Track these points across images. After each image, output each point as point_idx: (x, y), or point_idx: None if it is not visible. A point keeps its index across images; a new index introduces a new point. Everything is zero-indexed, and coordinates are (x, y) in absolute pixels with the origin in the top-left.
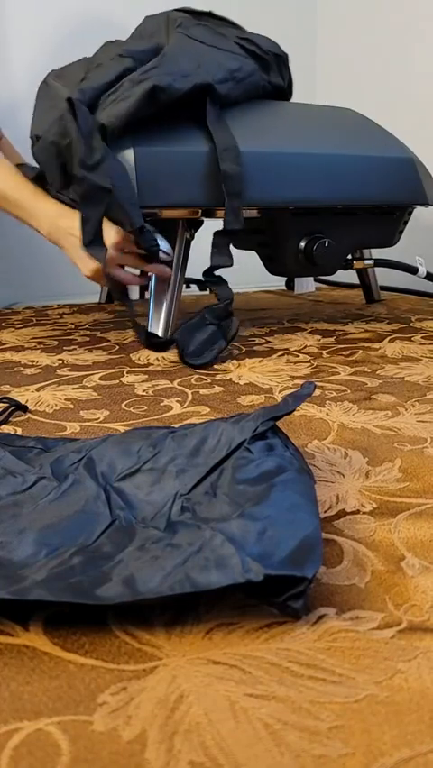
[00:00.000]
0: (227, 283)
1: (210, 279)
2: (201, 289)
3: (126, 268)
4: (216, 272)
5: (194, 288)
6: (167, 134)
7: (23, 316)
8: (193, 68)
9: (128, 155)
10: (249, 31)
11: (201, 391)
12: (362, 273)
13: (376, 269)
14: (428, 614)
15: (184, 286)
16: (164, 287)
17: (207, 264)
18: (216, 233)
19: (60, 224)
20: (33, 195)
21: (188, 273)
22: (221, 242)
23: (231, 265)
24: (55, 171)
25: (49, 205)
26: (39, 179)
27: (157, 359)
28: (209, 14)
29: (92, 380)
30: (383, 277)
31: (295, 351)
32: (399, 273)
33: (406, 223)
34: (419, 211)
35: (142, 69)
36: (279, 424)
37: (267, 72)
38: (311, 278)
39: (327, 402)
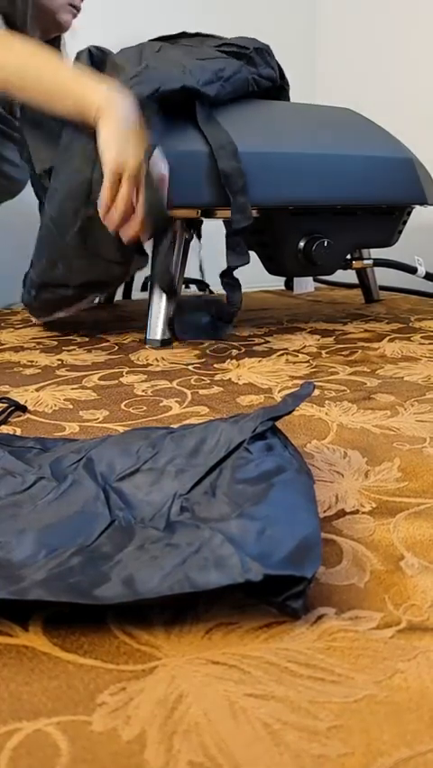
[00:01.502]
0: (241, 288)
1: (228, 282)
2: (201, 289)
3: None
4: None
5: (194, 288)
6: (166, 134)
7: (22, 316)
8: (178, 73)
9: None
10: (249, 31)
11: (200, 391)
12: (361, 273)
13: (375, 268)
14: (427, 613)
15: (183, 286)
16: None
17: (208, 264)
18: (229, 234)
19: (117, 96)
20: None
21: (187, 273)
22: (234, 242)
23: (248, 262)
24: None
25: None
26: None
27: (156, 359)
28: (183, 34)
29: (91, 381)
30: (383, 277)
31: (294, 351)
32: (398, 273)
33: (405, 223)
34: (418, 211)
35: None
36: (278, 424)
37: (254, 66)
38: (310, 278)
39: (327, 402)
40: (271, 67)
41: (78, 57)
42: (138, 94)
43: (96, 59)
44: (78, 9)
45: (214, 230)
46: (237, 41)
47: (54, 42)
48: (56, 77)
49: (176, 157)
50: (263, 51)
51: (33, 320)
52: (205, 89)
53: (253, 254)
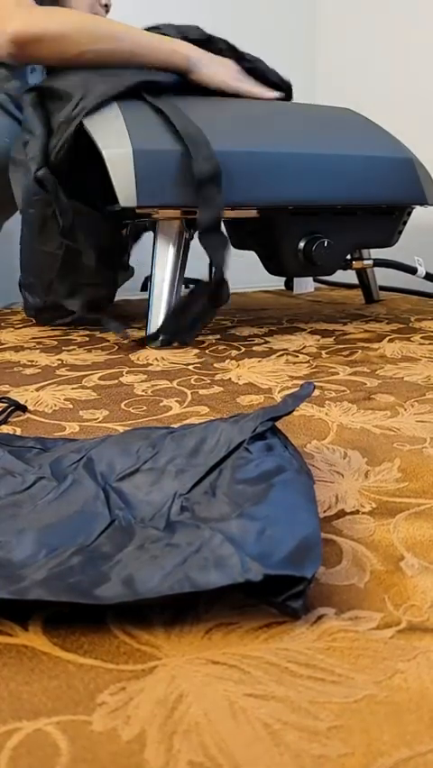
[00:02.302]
0: (227, 244)
1: (209, 242)
2: None
3: None
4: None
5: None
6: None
7: (22, 316)
8: (118, 78)
9: (127, 155)
10: (249, 31)
11: (200, 391)
12: (361, 273)
13: (375, 269)
14: (427, 614)
15: (183, 286)
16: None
17: (207, 264)
18: (201, 236)
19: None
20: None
21: (188, 273)
22: (211, 243)
23: (227, 247)
24: None
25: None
26: None
27: (156, 359)
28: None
29: (91, 380)
30: (383, 277)
31: (294, 351)
32: (398, 273)
33: (405, 223)
34: (418, 211)
35: (73, 104)
36: (278, 424)
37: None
38: (310, 279)
39: (327, 402)
40: (221, 41)
41: (24, 100)
42: (85, 108)
43: (44, 93)
44: (108, 6)
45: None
46: (186, 30)
47: None
48: (145, 37)
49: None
50: (209, 37)
51: (34, 320)
52: (155, 78)
53: (252, 254)
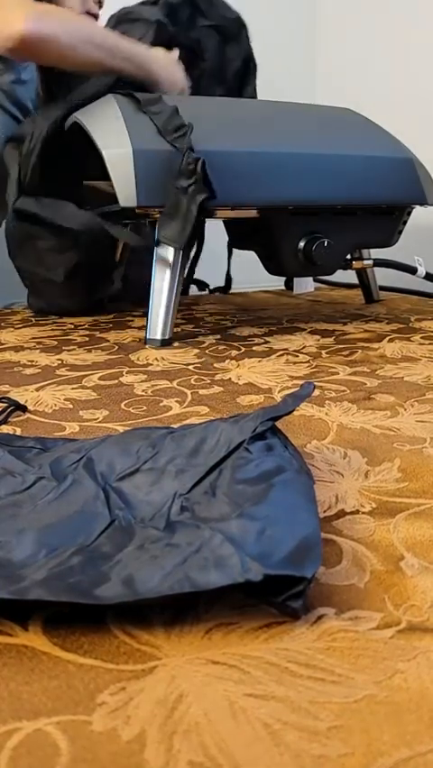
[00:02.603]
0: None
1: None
2: (200, 289)
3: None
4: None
5: (194, 288)
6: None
7: (22, 316)
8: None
9: (127, 155)
10: (249, 31)
11: (200, 391)
12: (361, 273)
13: (375, 269)
14: (427, 614)
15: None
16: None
17: (207, 264)
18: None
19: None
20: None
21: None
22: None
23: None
24: None
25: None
26: None
27: (156, 359)
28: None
29: (91, 380)
30: (383, 277)
31: (294, 351)
32: (398, 273)
33: (405, 223)
34: (418, 211)
35: (27, 141)
36: (278, 424)
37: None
38: (310, 278)
39: (327, 402)
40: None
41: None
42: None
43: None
44: (101, 2)
45: (214, 230)
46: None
47: None
48: (139, 57)
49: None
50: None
51: (33, 320)
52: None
53: (252, 254)
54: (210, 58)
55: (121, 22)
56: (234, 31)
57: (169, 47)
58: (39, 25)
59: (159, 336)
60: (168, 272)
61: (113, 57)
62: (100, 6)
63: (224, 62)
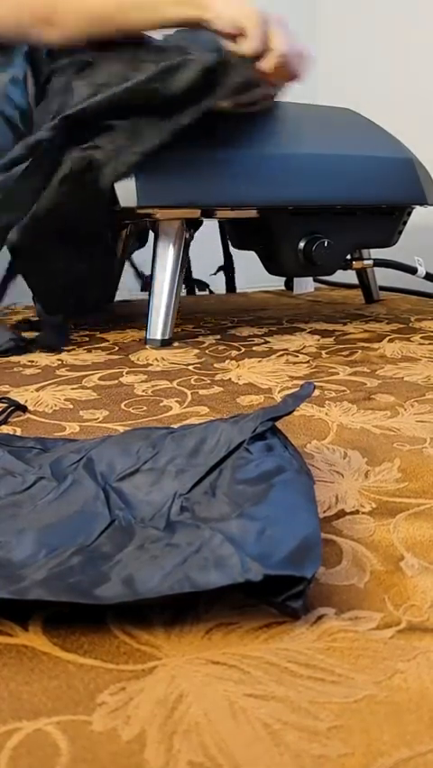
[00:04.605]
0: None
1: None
2: (200, 289)
3: None
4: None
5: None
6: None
7: (22, 316)
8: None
9: None
10: None
11: (200, 391)
12: (361, 273)
13: (375, 269)
14: (427, 614)
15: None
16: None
17: (208, 264)
18: None
19: None
20: None
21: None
22: None
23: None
24: None
25: None
26: None
27: (156, 359)
28: None
29: (91, 381)
30: (383, 277)
31: (294, 351)
32: (398, 273)
33: (405, 223)
34: (418, 211)
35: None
36: (278, 424)
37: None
38: (310, 279)
39: (327, 402)
40: None
41: None
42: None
43: None
44: None
45: (213, 230)
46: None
47: None
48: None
49: (179, 156)
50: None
51: (33, 320)
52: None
53: (252, 254)
54: None
55: None
56: None
57: None
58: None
59: (159, 336)
60: (168, 272)
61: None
62: None
63: None
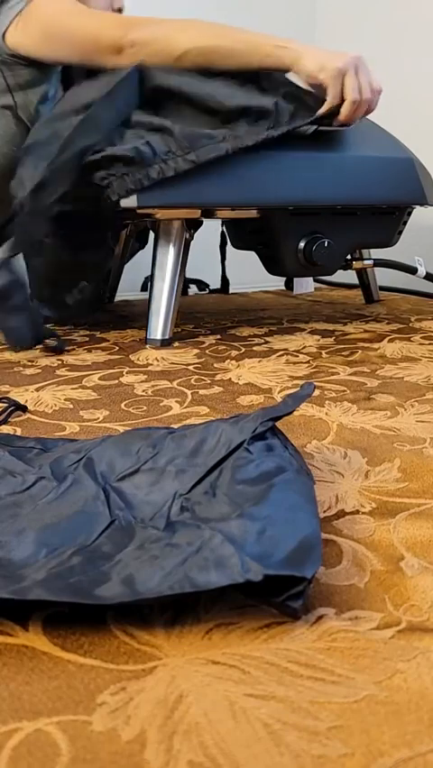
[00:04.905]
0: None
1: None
2: (200, 289)
3: None
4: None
5: (193, 287)
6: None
7: None
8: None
9: None
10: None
11: (200, 391)
12: (361, 273)
13: (375, 269)
14: (427, 614)
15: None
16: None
17: (208, 264)
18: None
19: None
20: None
21: (188, 273)
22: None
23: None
24: None
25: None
26: None
27: (156, 359)
28: None
29: (91, 380)
30: (383, 277)
31: (294, 351)
32: (398, 273)
33: (405, 223)
34: (418, 211)
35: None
36: (278, 424)
37: None
38: (310, 279)
39: (327, 402)
40: None
41: None
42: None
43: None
44: (121, 9)
45: (213, 230)
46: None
47: None
48: (245, 38)
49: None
50: None
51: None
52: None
53: (253, 254)
54: None
55: None
56: None
57: None
58: (140, 29)
59: (159, 336)
60: (168, 273)
61: (221, 41)
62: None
63: None
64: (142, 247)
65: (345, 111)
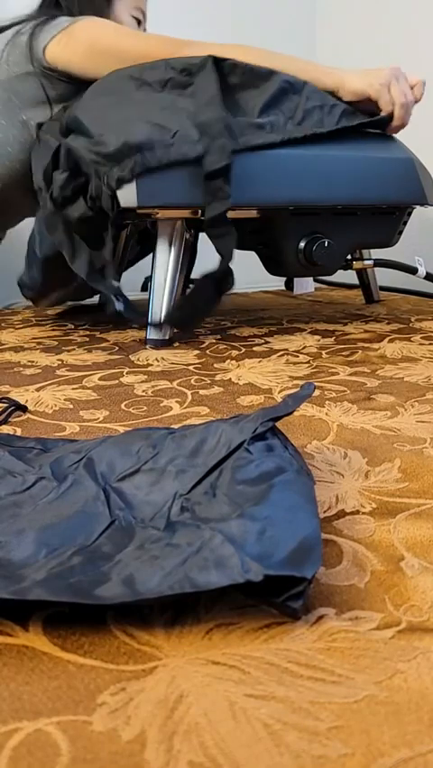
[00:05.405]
0: (234, 236)
1: (217, 232)
2: None
3: None
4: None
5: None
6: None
7: (22, 317)
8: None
9: None
10: (249, 30)
11: (201, 392)
12: (361, 273)
13: (376, 269)
14: (427, 614)
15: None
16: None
17: (208, 264)
18: (208, 227)
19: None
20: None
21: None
22: (214, 186)
23: (234, 238)
24: None
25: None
26: None
27: (156, 359)
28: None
29: (91, 381)
30: (383, 277)
31: (294, 351)
32: (398, 273)
33: (405, 223)
34: (418, 211)
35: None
36: (278, 424)
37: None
38: (311, 279)
39: (327, 402)
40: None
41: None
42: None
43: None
44: (141, 21)
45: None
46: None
47: None
48: (300, 68)
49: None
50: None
51: (34, 320)
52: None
53: (253, 254)
54: None
55: None
56: None
57: None
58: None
59: (159, 336)
60: (168, 272)
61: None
62: (139, 23)
63: None
64: (146, 254)
65: (398, 114)
